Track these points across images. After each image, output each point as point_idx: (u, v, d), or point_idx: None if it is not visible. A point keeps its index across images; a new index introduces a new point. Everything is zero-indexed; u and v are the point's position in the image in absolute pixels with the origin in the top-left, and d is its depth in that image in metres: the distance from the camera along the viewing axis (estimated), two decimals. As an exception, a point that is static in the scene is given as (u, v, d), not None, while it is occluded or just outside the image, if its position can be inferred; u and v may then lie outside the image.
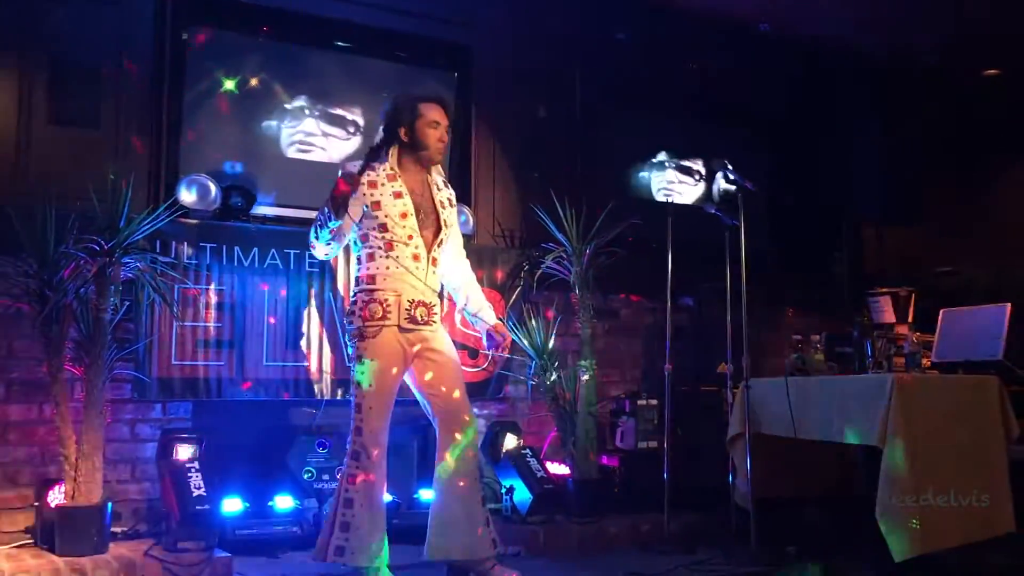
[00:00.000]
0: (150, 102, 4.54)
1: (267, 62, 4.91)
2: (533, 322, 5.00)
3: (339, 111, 5.09)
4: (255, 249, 4.48)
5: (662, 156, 6.11)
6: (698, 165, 6.26)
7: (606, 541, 4.50)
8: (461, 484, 3.47)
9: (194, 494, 3.76)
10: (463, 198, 5.27)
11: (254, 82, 4.89)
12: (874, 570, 3.66)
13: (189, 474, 3.84)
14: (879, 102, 6.40)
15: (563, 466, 4.92)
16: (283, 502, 4.28)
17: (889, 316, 5.31)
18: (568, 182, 5.46)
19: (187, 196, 4.38)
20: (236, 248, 4.43)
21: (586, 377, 4.86)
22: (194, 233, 4.36)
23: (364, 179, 3.42)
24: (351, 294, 3.58)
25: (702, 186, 6.29)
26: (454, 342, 4.89)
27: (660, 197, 6.11)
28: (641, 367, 5.80)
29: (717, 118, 6.26)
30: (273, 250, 4.53)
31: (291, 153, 4.97)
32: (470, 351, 4.98)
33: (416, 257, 3.48)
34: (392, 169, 3.51)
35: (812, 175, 6.50)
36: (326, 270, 4.64)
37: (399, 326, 3.43)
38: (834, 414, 3.85)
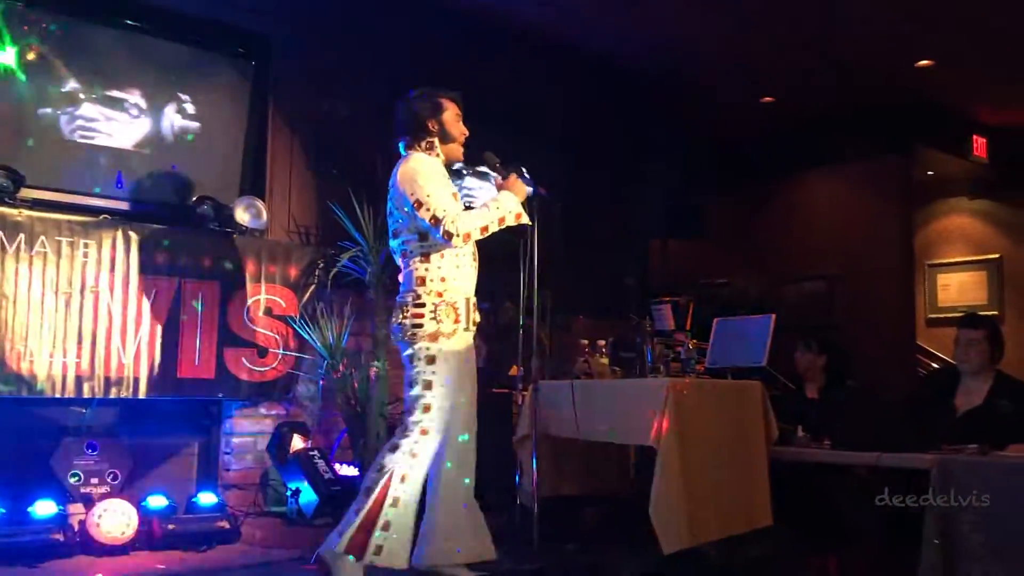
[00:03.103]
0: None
1: (45, 35, 4.56)
2: (326, 321, 4.91)
3: (118, 93, 4.80)
4: (21, 235, 4.14)
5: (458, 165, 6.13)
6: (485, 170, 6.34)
7: (393, 542, 4.47)
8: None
9: (-63, 500, 3.43)
10: (257, 191, 5.12)
11: (31, 56, 4.54)
12: (643, 563, 3.84)
13: (-68, 478, 3.50)
14: (668, 122, 6.77)
15: (352, 467, 4.86)
16: (44, 507, 3.97)
17: (669, 323, 5.60)
18: (368, 182, 5.39)
19: (-57, 174, 3.99)
20: (-1, 233, 4.08)
21: (379, 377, 4.83)
22: (-50, 215, 3.99)
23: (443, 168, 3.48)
24: (410, 292, 3.41)
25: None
26: (243, 340, 4.79)
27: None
28: (435, 369, 5.82)
29: (520, 128, 6.38)
30: (43, 237, 4.20)
31: (74, 137, 4.65)
32: (259, 350, 4.83)
33: (474, 256, 3.54)
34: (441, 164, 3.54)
35: (606, 187, 6.77)
36: (104, 260, 4.36)
37: (466, 328, 3.45)
38: (615, 416, 4.02)
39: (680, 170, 6.21)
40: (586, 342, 4.70)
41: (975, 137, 7.94)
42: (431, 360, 3.37)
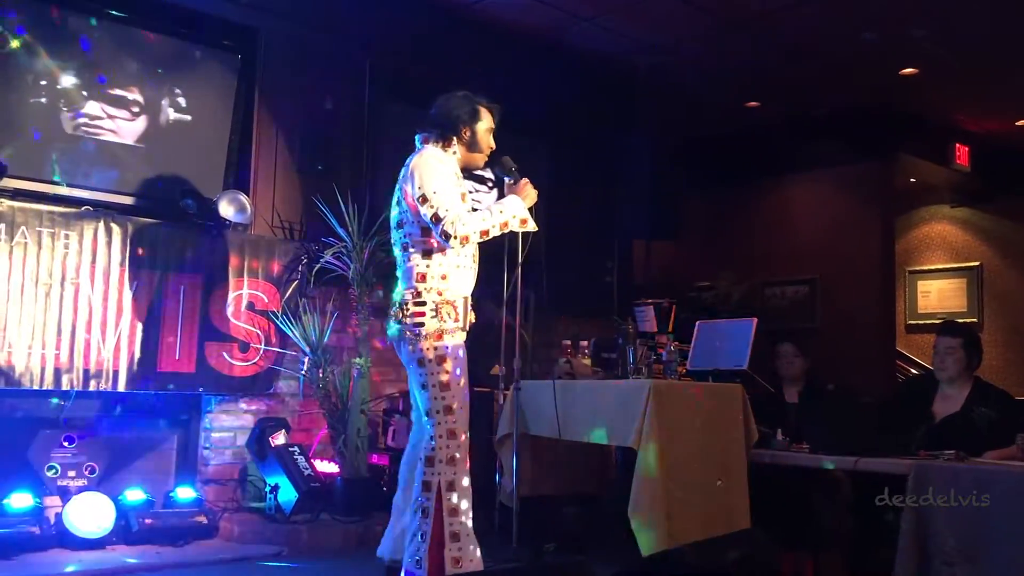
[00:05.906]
0: None
1: (28, 24, 4.52)
2: (308, 317, 4.90)
3: (119, 92, 4.77)
4: (2, 225, 4.12)
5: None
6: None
7: (372, 540, 4.44)
8: None
9: (-88, 491, 3.40)
10: (241, 185, 5.09)
11: (15, 45, 4.50)
12: (622, 564, 3.85)
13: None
14: (653, 123, 6.78)
15: (332, 464, 4.85)
16: (20, 500, 3.95)
17: (652, 325, 5.60)
18: (353, 178, 5.40)
19: (-78, 162, 3.95)
20: (-21, 222, 4.05)
21: (360, 374, 4.82)
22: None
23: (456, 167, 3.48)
24: (409, 289, 3.37)
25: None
26: (225, 335, 4.77)
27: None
28: (417, 366, 5.81)
29: (502, 126, 6.38)
30: (24, 227, 4.18)
31: (78, 133, 4.62)
32: (240, 344, 4.81)
33: (475, 257, 3.50)
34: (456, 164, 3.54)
35: (588, 188, 6.77)
36: (85, 252, 4.33)
37: (463, 328, 3.42)
38: (596, 417, 4.02)
39: (664, 172, 6.21)
40: (568, 342, 4.70)
41: (957, 145, 8.00)
42: (441, 360, 3.34)
